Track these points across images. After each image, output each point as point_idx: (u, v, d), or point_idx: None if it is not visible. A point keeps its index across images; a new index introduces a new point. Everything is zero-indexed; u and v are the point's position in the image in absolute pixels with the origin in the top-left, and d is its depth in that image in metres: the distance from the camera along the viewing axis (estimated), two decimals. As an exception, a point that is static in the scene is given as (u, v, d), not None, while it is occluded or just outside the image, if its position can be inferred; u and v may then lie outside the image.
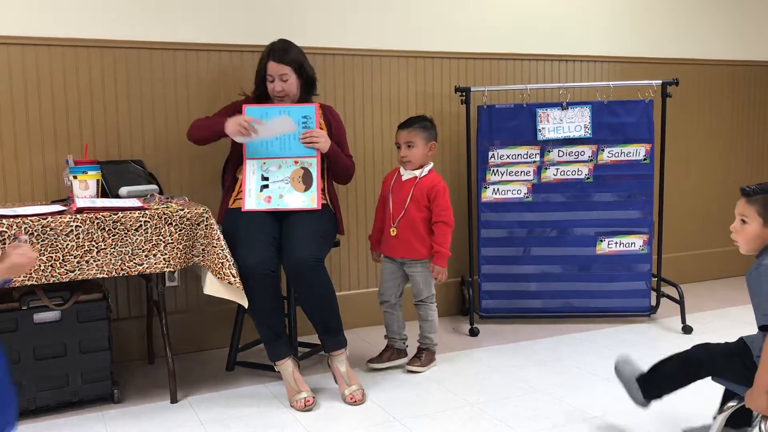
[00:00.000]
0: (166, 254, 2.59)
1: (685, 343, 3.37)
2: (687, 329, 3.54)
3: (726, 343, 2.08)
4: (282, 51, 2.93)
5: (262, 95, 3.01)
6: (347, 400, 2.71)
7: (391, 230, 3.02)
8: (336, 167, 3.02)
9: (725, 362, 2.03)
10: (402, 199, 3.02)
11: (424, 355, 3.08)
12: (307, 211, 2.84)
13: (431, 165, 3.07)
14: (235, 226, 2.79)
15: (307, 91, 3.02)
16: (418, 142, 3.01)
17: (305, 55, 3.00)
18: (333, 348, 2.80)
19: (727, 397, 2.15)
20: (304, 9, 3.45)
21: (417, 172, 3.04)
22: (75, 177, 2.69)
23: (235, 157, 3.00)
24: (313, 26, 3.47)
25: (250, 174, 2.88)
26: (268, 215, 2.83)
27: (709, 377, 2.10)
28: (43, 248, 2.41)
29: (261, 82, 2.98)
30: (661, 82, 3.70)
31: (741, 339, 2.04)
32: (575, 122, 3.61)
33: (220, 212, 2.98)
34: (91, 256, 2.48)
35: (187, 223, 2.62)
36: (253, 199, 2.84)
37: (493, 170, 3.65)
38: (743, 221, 1.98)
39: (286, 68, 2.92)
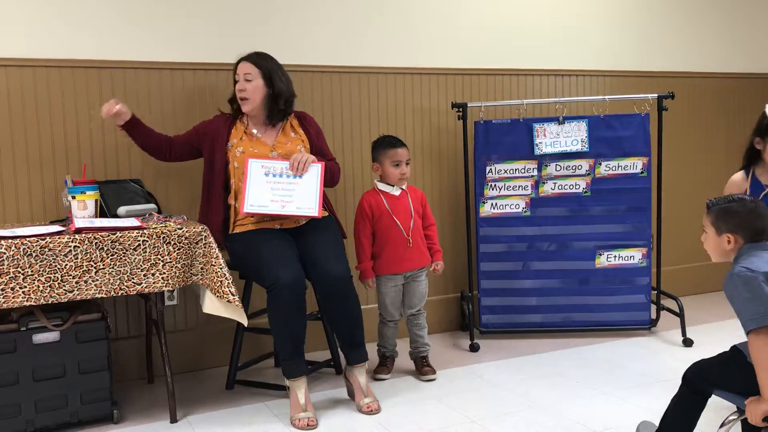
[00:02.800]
0: (164, 273, 2.59)
1: (685, 356, 3.38)
2: (687, 342, 3.53)
3: (718, 354, 2.08)
4: (256, 55, 2.94)
5: (237, 110, 3.00)
6: (364, 410, 2.76)
7: (408, 242, 3.12)
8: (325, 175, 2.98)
9: (720, 370, 2.04)
10: (407, 212, 3.15)
11: (428, 362, 3.22)
12: (317, 223, 2.90)
13: None
14: (253, 247, 2.79)
15: (272, 107, 2.93)
16: (410, 160, 3.22)
17: (285, 73, 2.98)
18: (357, 360, 2.86)
19: None
20: (300, 27, 3.47)
21: (403, 186, 3.22)
22: (73, 197, 2.70)
23: (219, 185, 2.92)
24: (310, 45, 3.49)
25: (253, 178, 2.81)
26: (280, 232, 2.86)
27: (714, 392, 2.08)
28: (41, 269, 2.41)
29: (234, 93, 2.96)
30: (656, 95, 3.71)
31: (734, 347, 2.04)
32: (572, 136, 3.63)
33: (215, 238, 2.89)
34: (90, 276, 2.48)
35: (186, 241, 2.62)
36: (256, 201, 2.78)
37: (491, 185, 3.66)
38: (705, 231, 2.10)
39: (253, 69, 2.90)
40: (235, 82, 2.94)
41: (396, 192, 3.17)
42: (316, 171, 2.86)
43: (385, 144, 3.15)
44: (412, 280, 3.17)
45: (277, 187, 2.81)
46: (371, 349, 3.32)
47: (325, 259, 2.79)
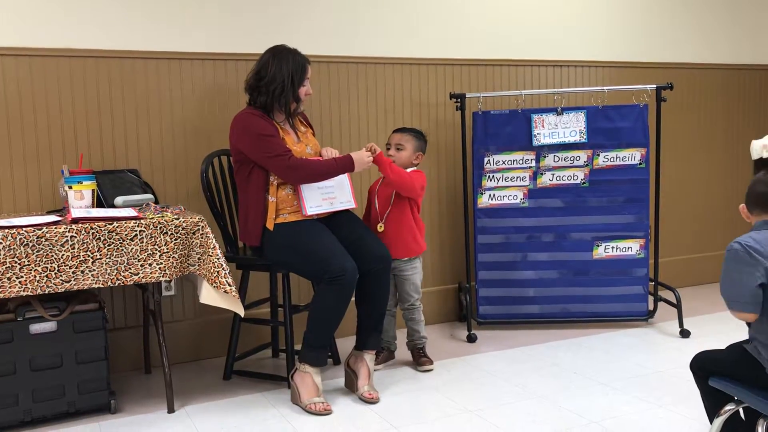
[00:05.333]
0: (161, 263, 2.59)
1: (682, 347, 3.38)
2: (684, 333, 3.54)
3: (722, 351, 2.06)
4: None
5: (269, 103, 2.84)
6: (365, 395, 2.78)
7: (378, 226, 3.09)
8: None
9: (718, 358, 2.03)
10: (387, 195, 3.11)
11: (425, 353, 3.22)
12: (345, 212, 2.98)
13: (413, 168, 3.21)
14: (305, 237, 2.78)
15: None
16: (408, 147, 3.15)
17: None
18: (373, 346, 2.94)
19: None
20: (299, 18, 3.45)
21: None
22: (70, 187, 2.69)
23: (260, 181, 2.83)
24: (309, 34, 3.47)
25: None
26: (321, 223, 2.87)
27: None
28: (38, 259, 2.41)
29: (290, 85, 2.82)
30: (655, 86, 3.71)
31: (742, 348, 2.00)
32: (570, 127, 3.62)
33: (255, 231, 2.84)
34: (87, 267, 2.48)
35: (183, 232, 2.62)
36: (314, 203, 2.86)
37: (489, 176, 3.66)
38: None
39: None
40: (300, 82, 2.86)
41: None
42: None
43: None
44: (398, 273, 3.14)
45: (322, 185, 2.88)
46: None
47: (372, 243, 2.88)
